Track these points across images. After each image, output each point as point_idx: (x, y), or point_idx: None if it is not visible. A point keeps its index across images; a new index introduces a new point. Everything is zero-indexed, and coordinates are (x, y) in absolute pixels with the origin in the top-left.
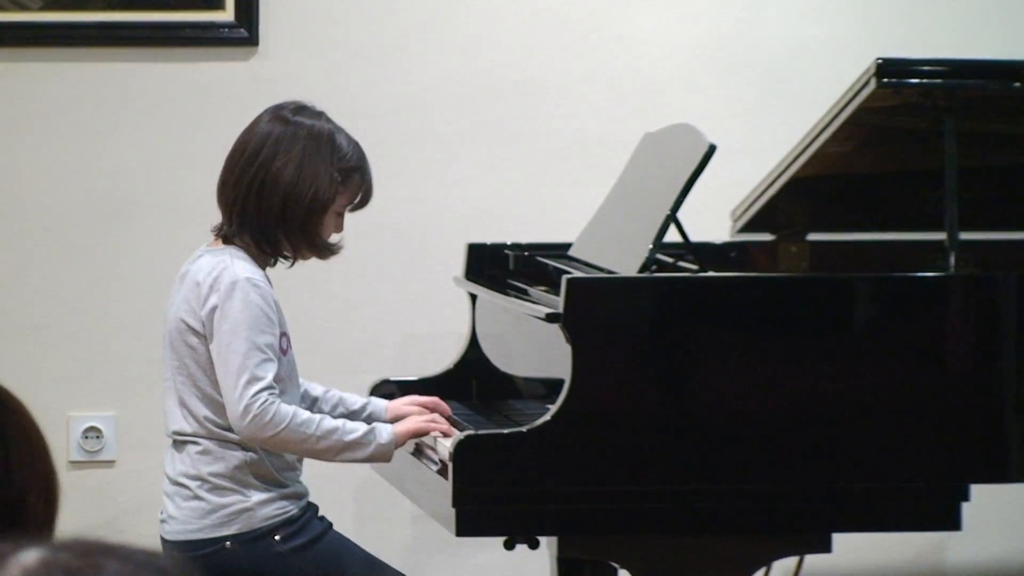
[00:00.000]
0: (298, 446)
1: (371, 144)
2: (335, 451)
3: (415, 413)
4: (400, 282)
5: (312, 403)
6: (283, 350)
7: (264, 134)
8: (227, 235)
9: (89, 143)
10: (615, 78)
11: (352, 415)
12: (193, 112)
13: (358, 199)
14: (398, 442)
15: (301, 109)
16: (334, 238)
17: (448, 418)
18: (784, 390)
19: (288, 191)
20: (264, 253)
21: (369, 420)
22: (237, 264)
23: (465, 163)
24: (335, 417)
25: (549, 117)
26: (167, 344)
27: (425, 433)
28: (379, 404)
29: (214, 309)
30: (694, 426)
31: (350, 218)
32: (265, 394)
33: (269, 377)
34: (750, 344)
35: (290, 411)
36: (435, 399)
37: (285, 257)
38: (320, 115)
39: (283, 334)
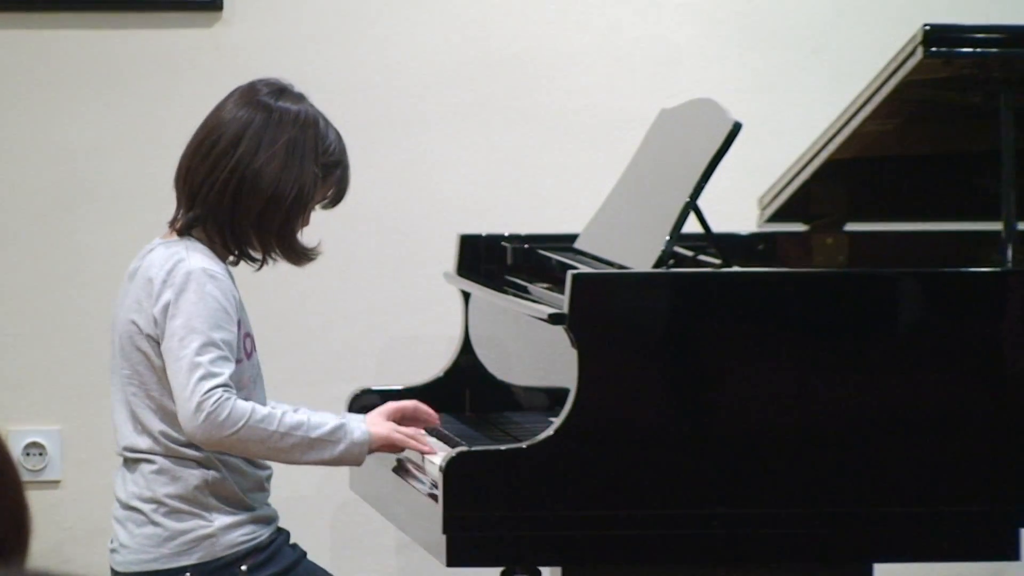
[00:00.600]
0: (259, 446)
1: (347, 124)
2: (301, 449)
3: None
4: (382, 279)
5: None
6: (247, 352)
7: (243, 122)
8: (184, 226)
9: (33, 119)
10: (626, 48)
11: None
12: (151, 84)
13: (331, 195)
14: (372, 445)
15: (282, 92)
16: (308, 239)
17: (435, 430)
18: (819, 401)
19: (271, 192)
20: (226, 249)
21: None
22: (193, 256)
23: (455, 144)
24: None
25: (551, 92)
26: (116, 350)
27: (400, 449)
28: (356, 423)
29: (167, 303)
30: (717, 442)
31: (326, 213)
32: (220, 391)
33: (225, 374)
34: (780, 349)
35: (247, 407)
36: (415, 403)
37: (252, 259)
38: (302, 99)
39: (247, 335)
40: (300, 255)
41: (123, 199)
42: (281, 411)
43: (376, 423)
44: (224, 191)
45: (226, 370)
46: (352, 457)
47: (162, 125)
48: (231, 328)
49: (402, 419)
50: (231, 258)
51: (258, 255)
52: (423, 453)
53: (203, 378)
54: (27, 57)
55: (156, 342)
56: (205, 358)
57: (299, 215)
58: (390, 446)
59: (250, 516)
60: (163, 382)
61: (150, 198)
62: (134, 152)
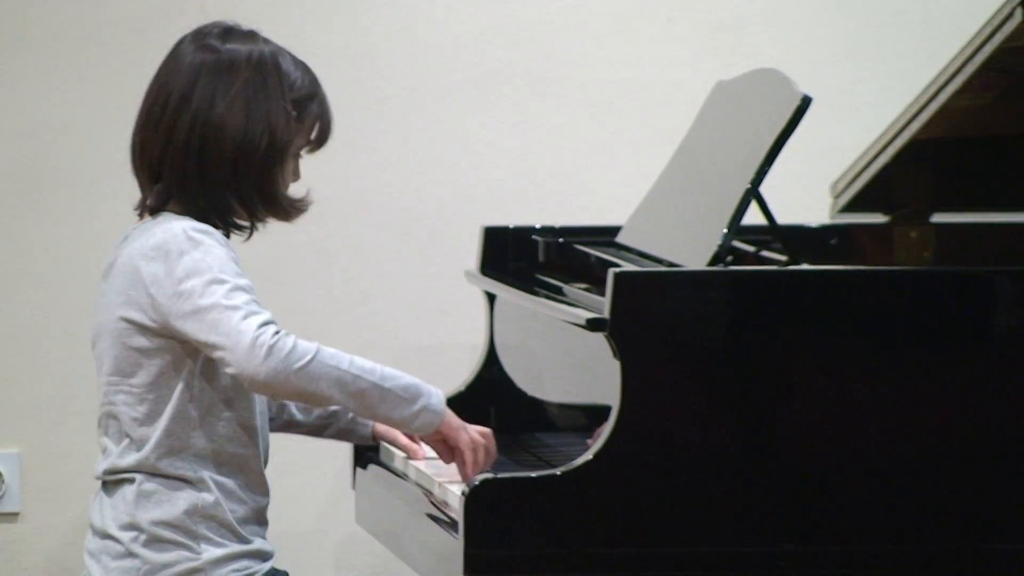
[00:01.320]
0: (332, 385)
1: (353, 99)
2: (370, 398)
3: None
4: (396, 279)
5: (279, 409)
6: None
7: (191, 72)
8: (153, 206)
9: None
10: (677, 10)
11: (332, 416)
12: (126, 54)
13: (315, 135)
14: (445, 422)
15: (228, 32)
16: (294, 190)
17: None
18: (904, 420)
19: (239, 141)
20: (206, 221)
21: (352, 423)
22: (181, 221)
23: (478, 122)
24: (315, 422)
25: (590, 61)
26: (100, 361)
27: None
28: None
29: (166, 276)
30: (782, 468)
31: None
32: (273, 326)
33: (268, 313)
34: (857, 360)
35: (312, 343)
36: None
37: (239, 227)
38: (254, 36)
39: None
40: (288, 208)
41: (94, 186)
42: (350, 355)
43: (452, 414)
44: (187, 155)
45: (265, 310)
46: (422, 422)
47: (137, 99)
48: (247, 279)
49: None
50: (218, 232)
51: (243, 220)
52: (464, 477)
53: (247, 316)
54: None
55: (154, 332)
56: (239, 300)
57: (278, 163)
58: (450, 441)
59: (244, 550)
60: (160, 383)
61: (125, 184)
62: (107, 130)
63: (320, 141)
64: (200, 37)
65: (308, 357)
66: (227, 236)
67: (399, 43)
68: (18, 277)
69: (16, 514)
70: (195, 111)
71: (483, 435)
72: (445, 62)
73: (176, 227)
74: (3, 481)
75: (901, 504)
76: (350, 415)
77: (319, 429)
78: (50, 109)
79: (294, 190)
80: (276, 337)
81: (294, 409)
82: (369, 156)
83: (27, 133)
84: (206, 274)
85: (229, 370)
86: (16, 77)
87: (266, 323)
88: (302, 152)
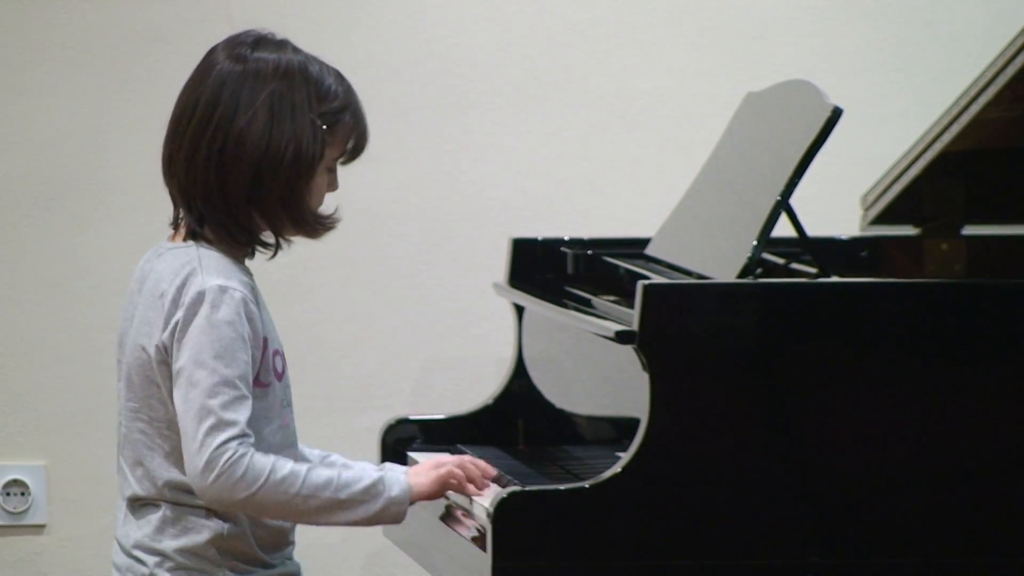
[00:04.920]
0: (280, 510)
1: (380, 109)
2: (329, 511)
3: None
4: (421, 290)
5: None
6: (278, 373)
7: (217, 83)
8: (188, 227)
9: (17, 102)
10: (706, 20)
11: None
12: (151, 63)
13: (351, 146)
14: (415, 498)
15: (259, 42)
16: (327, 203)
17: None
18: (935, 433)
19: (260, 155)
20: (239, 244)
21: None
22: (207, 267)
23: (506, 133)
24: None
25: (617, 74)
26: (123, 379)
27: (449, 489)
28: (398, 478)
29: (175, 328)
30: (812, 481)
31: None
32: (234, 444)
33: (241, 421)
34: (887, 373)
35: (266, 465)
36: (468, 459)
37: (265, 245)
38: (285, 45)
39: (276, 352)
40: (314, 225)
41: (119, 196)
42: (306, 467)
43: (419, 472)
44: (209, 167)
45: (242, 415)
46: (390, 516)
47: (163, 109)
48: (246, 357)
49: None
50: (247, 251)
51: (269, 236)
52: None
53: (214, 428)
54: (9, 30)
55: (169, 366)
56: (217, 401)
57: (304, 176)
58: (440, 490)
59: (268, 575)
60: (176, 421)
61: (155, 192)
62: (131, 140)
63: (355, 153)
64: (231, 46)
65: (256, 485)
66: (253, 255)
67: (427, 54)
68: (44, 289)
69: (43, 526)
70: (218, 121)
71: (456, 464)
72: (473, 73)
73: (207, 281)
74: (30, 493)
75: (932, 518)
76: None
77: None
78: (73, 119)
79: (325, 206)
80: (229, 462)
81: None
82: (397, 168)
83: (51, 143)
84: (203, 354)
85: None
86: (40, 87)
87: (229, 440)
88: (337, 164)
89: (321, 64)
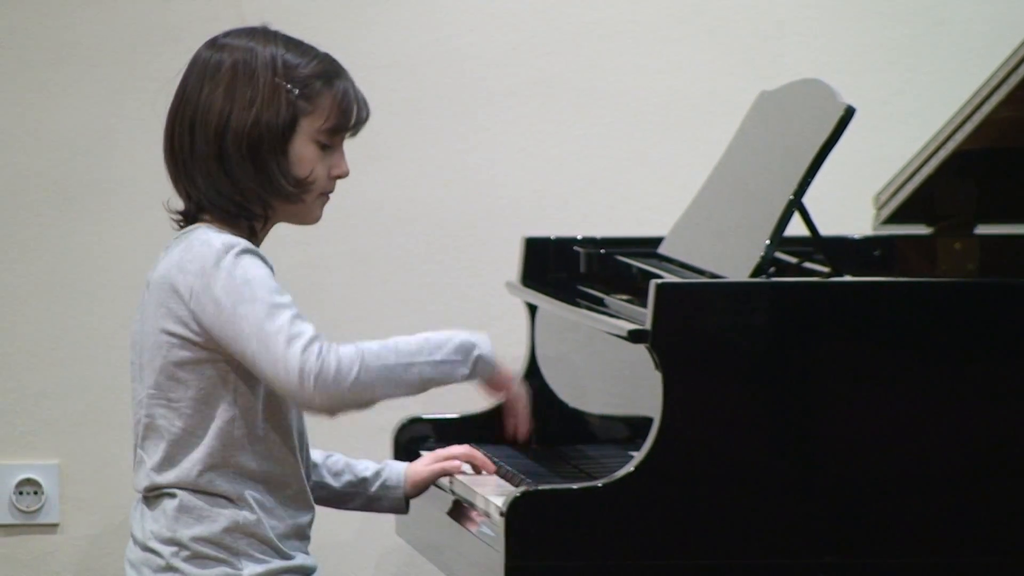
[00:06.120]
0: (386, 385)
1: (391, 106)
2: (432, 377)
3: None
4: (434, 289)
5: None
6: None
7: (191, 65)
8: (188, 214)
9: (27, 101)
10: (719, 19)
11: (361, 483)
12: (163, 63)
13: (342, 116)
14: (498, 372)
15: (236, 29)
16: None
17: (497, 468)
18: (949, 432)
19: (223, 124)
20: (232, 217)
21: (382, 489)
22: (222, 235)
23: (519, 133)
24: (343, 489)
25: (629, 72)
26: (137, 373)
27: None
28: (395, 469)
29: (205, 291)
30: (826, 480)
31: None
32: (314, 346)
33: (309, 329)
34: (901, 372)
35: (353, 347)
36: (466, 449)
37: (255, 216)
38: (255, 29)
39: None
40: (290, 189)
41: (132, 195)
42: (391, 339)
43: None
44: (183, 146)
45: (308, 325)
46: (482, 370)
47: None
48: (282, 288)
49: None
50: (244, 230)
51: (258, 208)
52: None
53: (289, 342)
54: (19, 30)
55: (197, 345)
56: (279, 321)
57: (269, 142)
58: (499, 389)
59: (285, 566)
60: (200, 398)
61: (168, 192)
62: (144, 139)
63: (350, 122)
64: (213, 39)
65: (356, 370)
66: (255, 234)
67: (440, 54)
68: (57, 288)
69: (56, 525)
70: (184, 101)
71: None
72: (485, 72)
73: (216, 241)
74: (43, 492)
75: (948, 518)
76: (378, 484)
77: (344, 498)
78: (86, 118)
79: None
80: (319, 361)
81: (324, 472)
82: (409, 166)
83: (64, 142)
84: (245, 292)
85: (284, 395)
86: (52, 86)
87: (308, 344)
88: (334, 137)
89: (296, 40)
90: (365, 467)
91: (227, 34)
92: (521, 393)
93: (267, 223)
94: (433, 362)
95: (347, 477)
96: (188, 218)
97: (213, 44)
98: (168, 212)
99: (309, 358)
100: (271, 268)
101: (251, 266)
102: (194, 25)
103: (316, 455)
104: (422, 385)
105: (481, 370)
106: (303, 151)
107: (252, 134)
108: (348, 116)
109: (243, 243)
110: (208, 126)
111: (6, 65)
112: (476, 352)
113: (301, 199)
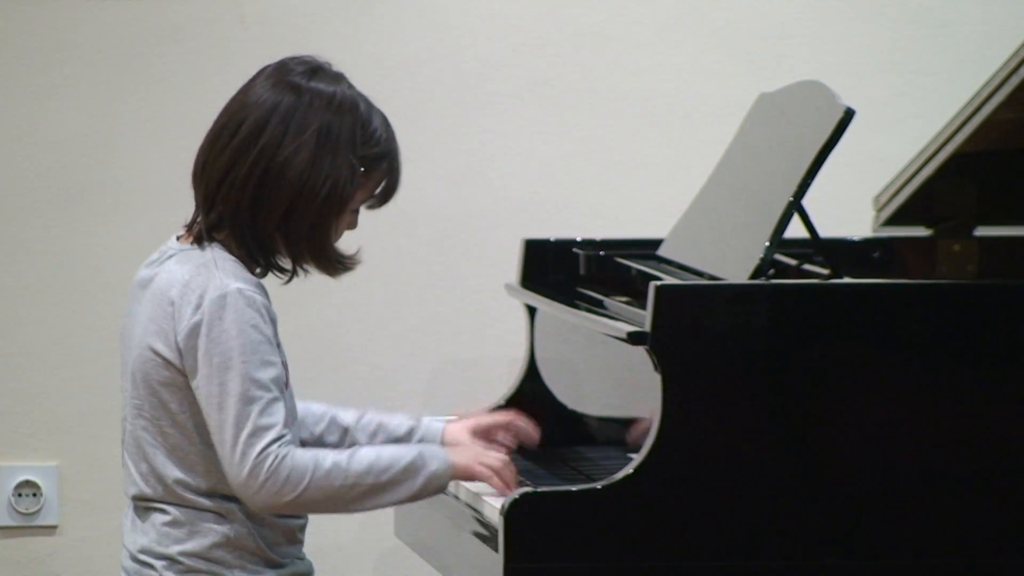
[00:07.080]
0: (328, 505)
1: (393, 108)
2: (373, 496)
3: (480, 445)
4: (436, 291)
5: (342, 435)
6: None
7: (268, 106)
8: (203, 230)
9: (26, 102)
10: (720, 21)
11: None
12: (165, 64)
13: (379, 192)
14: (454, 475)
15: (316, 71)
16: (345, 241)
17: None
18: (949, 434)
19: (298, 187)
20: (251, 258)
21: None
22: (224, 269)
23: (519, 135)
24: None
25: (631, 73)
26: (127, 377)
27: (480, 476)
28: (433, 427)
29: (196, 330)
30: (825, 482)
31: (372, 212)
32: (275, 448)
33: (278, 423)
34: (900, 373)
35: (308, 461)
36: (511, 417)
37: (280, 269)
38: (340, 78)
39: (283, 363)
40: (334, 263)
41: (132, 197)
42: (347, 455)
43: (458, 451)
44: (244, 188)
45: (278, 417)
46: (432, 491)
47: (177, 109)
48: (275, 359)
49: (491, 436)
50: (258, 269)
51: (287, 264)
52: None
53: (253, 435)
54: (19, 31)
55: (180, 371)
56: (253, 408)
57: (333, 215)
58: (470, 478)
59: (279, 574)
60: (184, 419)
61: (169, 193)
62: (145, 141)
63: (383, 199)
64: (284, 72)
65: (302, 485)
66: (264, 275)
67: (441, 55)
68: (57, 289)
69: (54, 527)
70: (263, 147)
71: (499, 460)
72: (486, 73)
73: (228, 284)
74: (42, 494)
75: (949, 519)
76: (416, 440)
77: None
78: (87, 119)
79: (347, 244)
80: (272, 469)
81: (358, 434)
82: (410, 168)
83: (65, 143)
84: (234, 359)
85: (227, 478)
86: (54, 87)
87: (267, 446)
88: (363, 206)
89: (369, 104)
90: (398, 424)
91: (307, 76)
92: (492, 468)
93: (290, 278)
94: (379, 484)
95: (380, 438)
96: (198, 232)
97: (296, 88)
98: (186, 222)
99: (263, 461)
100: (272, 319)
101: (248, 327)
102: (194, 26)
103: (348, 416)
104: (365, 503)
105: (433, 486)
106: (344, 219)
107: (323, 205)
108: (391, 193)
109: (251, 288)
110: (281, 187)
111: (6, 65)
112: (424, 472)
113: (341, 270)
